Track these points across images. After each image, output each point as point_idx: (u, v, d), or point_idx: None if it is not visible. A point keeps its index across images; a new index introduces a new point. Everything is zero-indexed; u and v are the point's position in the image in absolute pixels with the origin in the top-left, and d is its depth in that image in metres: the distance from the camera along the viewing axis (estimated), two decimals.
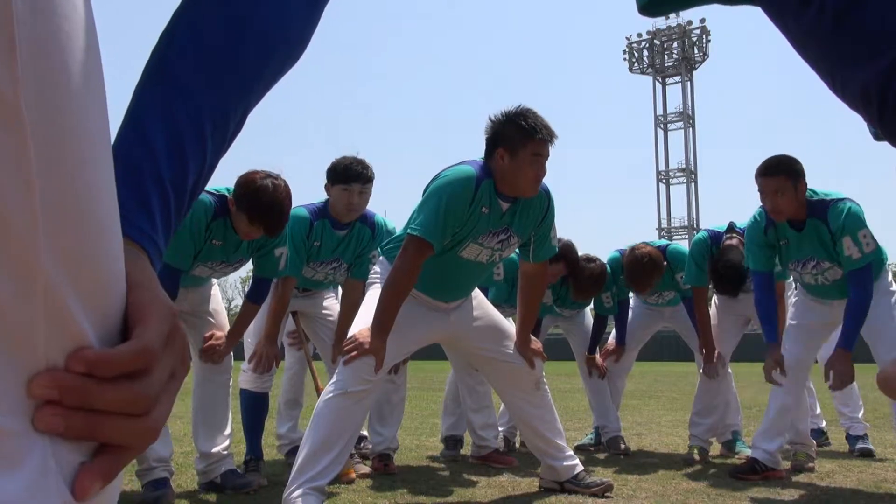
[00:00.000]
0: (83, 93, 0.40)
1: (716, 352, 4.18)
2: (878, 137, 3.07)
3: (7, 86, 0.35)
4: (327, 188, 3.62)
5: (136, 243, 0.50)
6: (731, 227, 4.06)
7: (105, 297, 0.42)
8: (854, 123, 3.24)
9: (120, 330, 0.44)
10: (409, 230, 2.89)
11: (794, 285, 3.99)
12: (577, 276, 4.32)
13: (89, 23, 0.42)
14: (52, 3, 0.38)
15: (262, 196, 2.94)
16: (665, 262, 4.30)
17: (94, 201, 0.41)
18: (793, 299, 3.89)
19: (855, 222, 3.24)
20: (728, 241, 3.95)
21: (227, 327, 3.41)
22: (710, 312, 4.31)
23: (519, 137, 2.88)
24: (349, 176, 3.53)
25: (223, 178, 3.29)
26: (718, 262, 3.89)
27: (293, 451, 3.44)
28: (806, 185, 3.33)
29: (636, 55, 63.33)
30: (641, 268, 4.14)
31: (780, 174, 3.28)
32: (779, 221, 3.39)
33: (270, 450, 4.21)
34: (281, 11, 0.63)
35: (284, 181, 3.06)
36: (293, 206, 3.16)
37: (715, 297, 4.40)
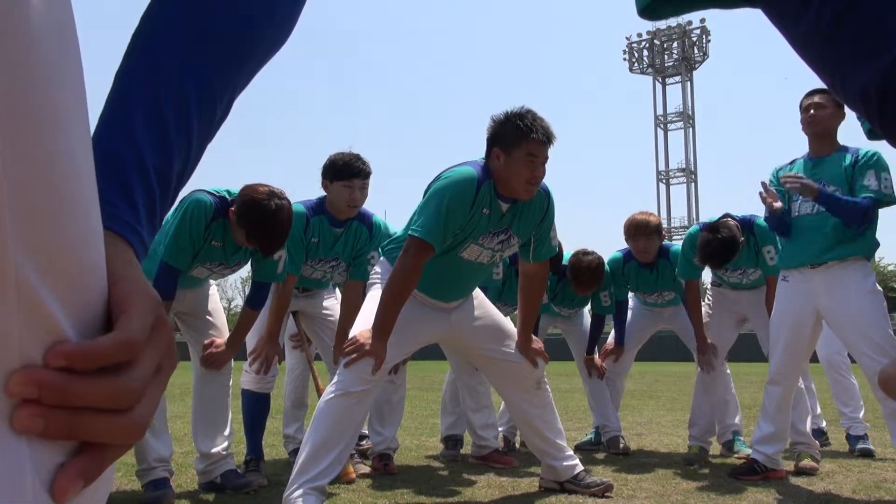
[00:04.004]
0: (56, 81, 0.38)
1: (709, 343, 4.19)
2: (871, 136, 3.05)
3: None
4: (325, 185, 3.60)
5: (120, 236, 0.48)
6: (727, 216, 4.04)
7: (83, 289, 0.40)
8: (852, 122, 3.27)
9: (102, 324, 0.42)
10: (410, 231, 2.88)
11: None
12: (575, 270, 4.32)
13: (64, 7, 0.40)
14: None
15: (263, 219, 2.94)
16: (667, 261, 4.36)
17: (68, 192, 0.39)
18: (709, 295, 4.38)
19: (884, 165, 3.32)
20: (723, 219, 3.97)
21: (226, 327, 3.41)
22: (704, 311, 4.31)
23: (514, 137, 2.87)
24: (351, 172, 3.53)
25: (220, 177, 3.28)
26: (710, 231, 3.83)
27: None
28: (844, 114, 3.42)
29: (636, 55, 63.37)
30: (646, 222, 4.35)
31: (826, 92, 3.35)
32: (815, 131, 3.44)
33: (271, 450, 4.21)
34: None
35: (288, 202, 3.06)
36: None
37: (709, 295, 4.40)
